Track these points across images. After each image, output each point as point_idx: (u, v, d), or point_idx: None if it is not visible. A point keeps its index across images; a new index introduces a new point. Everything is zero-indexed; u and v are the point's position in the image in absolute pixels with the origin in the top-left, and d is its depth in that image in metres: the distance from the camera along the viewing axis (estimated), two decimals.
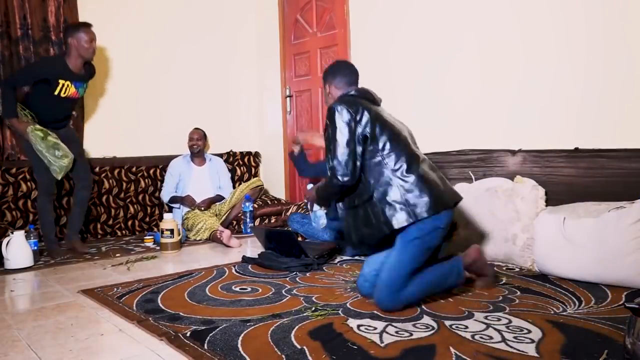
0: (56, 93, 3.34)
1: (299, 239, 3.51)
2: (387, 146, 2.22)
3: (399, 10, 3.69)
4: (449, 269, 2.25)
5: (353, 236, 2.33)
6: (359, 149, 2.22)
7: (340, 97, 2.38)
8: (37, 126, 3.28)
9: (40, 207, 3.44)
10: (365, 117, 2.23)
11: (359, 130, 2.22)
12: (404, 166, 2.19)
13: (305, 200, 3.10)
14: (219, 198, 4.29)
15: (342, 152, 2.21)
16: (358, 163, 2.22)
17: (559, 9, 2.87)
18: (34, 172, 3.52)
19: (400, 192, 2.16)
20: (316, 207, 3.13)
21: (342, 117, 2.23)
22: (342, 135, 2.21)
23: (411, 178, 2.17)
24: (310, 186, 3.52)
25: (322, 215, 3.11)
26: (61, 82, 3.34)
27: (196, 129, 4.40)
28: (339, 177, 2.21)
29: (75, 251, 3.47)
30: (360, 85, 2.48)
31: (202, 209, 4.10)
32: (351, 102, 2.27)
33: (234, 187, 4.47)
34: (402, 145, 2.24)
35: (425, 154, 2.37)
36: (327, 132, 2.28)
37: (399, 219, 2.14)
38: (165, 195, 4.26)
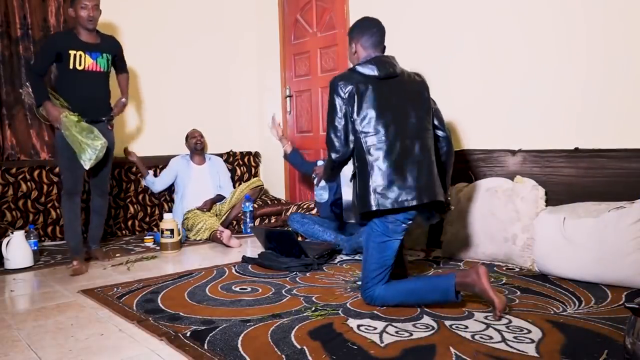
0: (71, 67, 3.15)
1: (299, 239, 3.51)
2: (370, 131, 2.20)
3: (399, 10, 3.69)
4: (435, 284, 2.15)
5: (353, 210, 2.35)
6: (351, 126, 2.23)
7: (345, 71, 2.35)
8: (72, 112, 3.11)
9: (62, 208, 3.24)
10: (355, 96, 2.21)
11: (349, 108, 2.22)
12: (381, 155, 2.19)
13: (314, 176, 3.29)
14: (219, 198, 4.29)
15: (333, 128, 2.24)
16: (351, 137, 2.23)
17: (559, 9, 2.87)
18: (59, 171, 3.37)
19: (373, 178, 2.17)
20: (322, 183, 3.16)
21: (337, 92, 2.23)
22: (334, 111, 2.24)
23: (385, 168, 2.17)
24: (320, 162, 3.61)
25: (325, 192, 3.14)
26: (71, 52, 3.14)
27: (194, 129, 4.42)
28: (331, 154, 2.26)
29: (98, 261, 3.28)
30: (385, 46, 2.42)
31: (205, 210, 4.10)
32: (350, 78, 2.26)
33: (234, 187, 4.47)
34: (387, 133, 2.21)
35: None
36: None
37: (369, 203, 2.16)
38: (153, 184, 4.25)
